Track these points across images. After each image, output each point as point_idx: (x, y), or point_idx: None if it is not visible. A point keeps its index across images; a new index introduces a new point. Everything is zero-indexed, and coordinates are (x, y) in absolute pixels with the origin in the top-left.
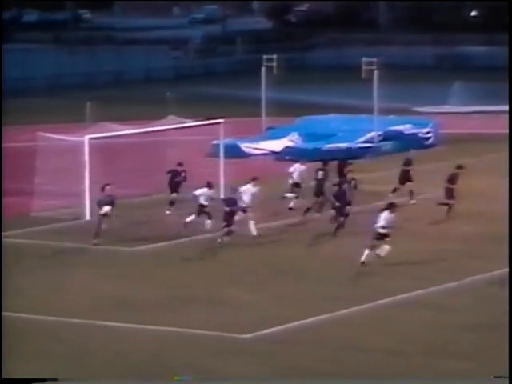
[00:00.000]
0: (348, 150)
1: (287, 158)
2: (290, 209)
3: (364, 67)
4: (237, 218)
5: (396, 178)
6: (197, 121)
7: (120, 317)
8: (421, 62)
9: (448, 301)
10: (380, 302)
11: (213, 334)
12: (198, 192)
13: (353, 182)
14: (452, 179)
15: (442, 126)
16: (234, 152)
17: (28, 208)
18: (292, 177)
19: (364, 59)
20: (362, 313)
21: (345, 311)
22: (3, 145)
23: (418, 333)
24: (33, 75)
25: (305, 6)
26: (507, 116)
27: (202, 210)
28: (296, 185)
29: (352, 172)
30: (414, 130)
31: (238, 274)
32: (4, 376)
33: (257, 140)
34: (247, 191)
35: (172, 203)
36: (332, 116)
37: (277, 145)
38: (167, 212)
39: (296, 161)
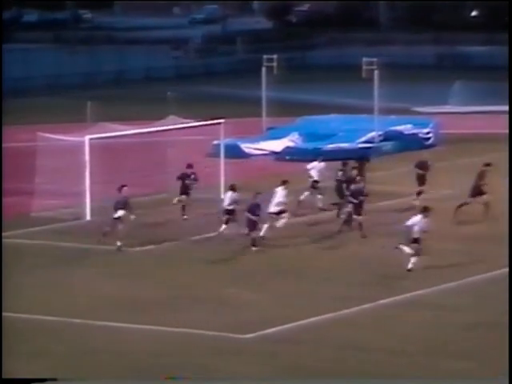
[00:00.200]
0: (348, 150)
1: (288, 158)
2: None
3: (364, 67)
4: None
5: (396, 178)
6: (197, 121)
7: (120, 317)
8: (421, 62)
9: (448, 301)
10: (381, 301)
11: (214, 334)
12: (222, 196)
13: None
14: (480, 177)
15: (443, 125)
16: (234, 152)
17: (28, 208)
18: (311, 175)
19: (364, 59)
20: (363, 313)
21: (346, 311)
22: (3, 145)
23: (419, 333)
24: (33, 75)
25: (305, 6)
26: (507, 116)
27: (227, 214)
28: (315, 182)
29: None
30: (415, 130)
31: (238, 274)
32: (4, 376)
33: (257, 140)
34: (279, 194)
35: (184, 207)
36: (332, 116)
37: (277, 145)
38: (184, 217)
39: (296, 161)
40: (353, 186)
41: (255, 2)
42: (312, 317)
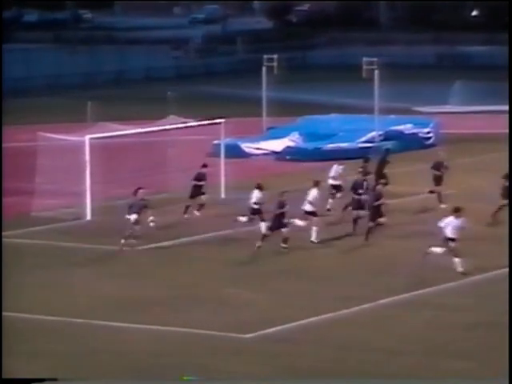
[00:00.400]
0: (349, 149)
1: (288, 157)
2: (328, 210)
3: (365, 67)
4: (300, 223)
5: (397, 178)
6: (197, 120)
7: (120, 317)
8: (421, 62)
9: (448, 300)
10: (381, 301)
11: (214, 333)
12: (251, 195)
13: (365, 183)
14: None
15: (443, 125)
16: (234, 152)
17: (28, 208)
18: (332, 178)
19: (365, 59)
20: (363, 312)
21: (346, 311)
22: (4, 144)
23: (419, 332)
24: (33, 75)
25: (305, 6)
26: (507, 116)
27: (254, 213)
28: (336, 187)
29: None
30: (415, 130)
31: (239, 274)
32: (4, 376)
33: (258, 140)
34: (312, 195)
35: (201, 205)
36: (333, 116)
37: (278, 145)
38: (196, 213)
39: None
40: (371, 189)
41: (255, 1)
42: (313, 316)
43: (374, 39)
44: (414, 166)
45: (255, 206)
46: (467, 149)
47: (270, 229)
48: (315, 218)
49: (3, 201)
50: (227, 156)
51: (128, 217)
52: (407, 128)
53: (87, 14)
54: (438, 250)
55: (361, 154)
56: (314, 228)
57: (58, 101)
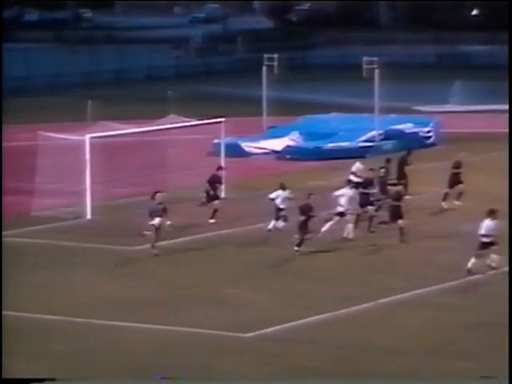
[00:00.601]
0: (349, 149)
1: (288, 157)
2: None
3: (365, 66)
4: (332, 222)
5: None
6: (198, 120)
7: (120, 316)
8: (422, 61)
9: (448, 300)
10: (381, 301)
11: (214, 333)
12: (272, 195)
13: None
14: None
15: (443, 125)
16: (234, 151)
17: (29, 207)
18: (353, 175)
19: (365, 58)
20: (364, 312)
21: (346, 310)
22: (4, 144)
23: (419, 332)
24: (33, 74)
25: (306, 6)
26: (507, 115)
27: (279, 213)
28: (357, 184)
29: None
30: (415, 129)
31: (239, 273)
32: (4, 376)
33: (258, 139)
34: (344, 195)
35: (216, 210)
36: (333, 115)
37: (278, 144)
38: (210, 221)
39: (297, 160)
40: (392, 189)
41: (256, 1)
42: (313, 316)
43: (374, 39)
44: (414, 166)
45: (280, 206)
46: (467, 148)
47: (299, 233)
48: (349, 217)
49: (3, 200)
50: (227, 155)
51: (152, 223)
52: (407, 127)
53: (87, 14)
54: (495, 257)
55: (361, 154)
56: (350, 225)
57: (58, 100)
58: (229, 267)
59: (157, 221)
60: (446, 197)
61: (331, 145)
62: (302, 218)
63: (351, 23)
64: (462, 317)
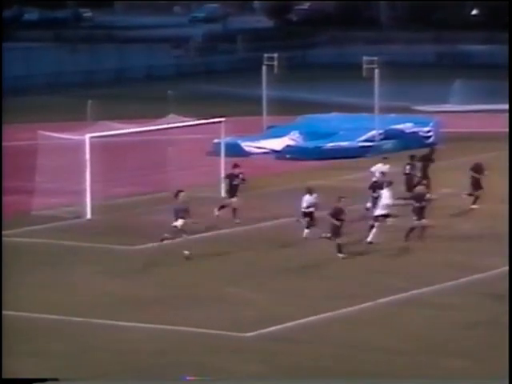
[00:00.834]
0: (349, 148)
1: (288, 156)
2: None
3: (365, 66)
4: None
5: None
6: (198, 119)
7: (121, 316)
8: (422, 61)
9: (448, 299)
10: (381, 300)
11: (214, 332)
12: (304, 203)
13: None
14: None
15: (443, 124)
16: (234, 151)
17: (29, 206)
18: (375, 177)
19: (365, 58)
20: (363, 311)
21: (346, 310)
22: (4, 143)
23: (419, 331)
24: (34, 73)
25: (306, 5)
26: (507, 115)
27: (306, 218)
28: (379, 187)
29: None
30: (415, 129)
31: (239, 273)
32: (4, 376)
33: (258, 139)
34: (384, 195)
35: (235, 210)
36: (333, 114)
37: (278, 143)
38: (237, 221)
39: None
40: (416, 189)
41: (256, 1)
42: (312, 315)
43: (374, 38)
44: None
45: (307, 211)
46: (467, 147)
47: (330, 237)
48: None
49: (3, 199)
50: (227, 155)
51: (175, 224)
52: (407, 127)
53: (88, 13)
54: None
55: (361, 153)
56: (375, 230)
57: (58, 99)
58: (229, 267)
59: (179, 222)
60: (475, 199)
61: (331, 144)
62: (334, 221)
63: (351, 22)
64: (462, 316)
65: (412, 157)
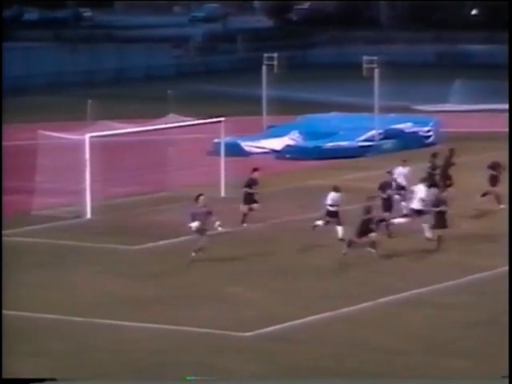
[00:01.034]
0: (349, 148)
1: (288, 156)
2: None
3: (365, 65)
4: (404, 221)
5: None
6: (198, 119)
7: (121, 315)
8: (422, 60)
9: (448, 299)
10: (381, 300)
11: (214, 332)
12: (328, 200)
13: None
14: None
15: (443, 124)
16: (234, 150)
17: (29, 206)
18: (395, 180)
19: (365, 57)
20: (363, 311)
21: (346, 309)
22: (4, 143)
23: (419, 331)
24: (34, 73)
25: (306, 5)
26: (507, 114)
27: (330, 216)
28: (401, 188)
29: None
30: (415, 129)
31: (239, 272)
32: (4, 376)
33: (258, 138)
34: (420, 193)
35: (246, 214)
36: (333, 114)
37: (278, 143)
38: (244, 225)
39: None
40: (435, 193)
41: (256, 0)
42: (312, 315)
43: (374, 38)
44: (415, 165)
45: (331, 209)
46: (467, 147)
47: (358, 235)
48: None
49: (3, 199)
50: (227, 154)
51: (191, 225)
52: (407, 126)
53: (87, 13)
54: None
55: (360, 153)
56: (426, 225)
57: (58, 99)
58: (229, 266)
59: (196, 224)
60: (499, 199)
61: (331, 144)
62: (365, 220)
63: (351, 22)
64: (462, 315)
65: (434, 155)
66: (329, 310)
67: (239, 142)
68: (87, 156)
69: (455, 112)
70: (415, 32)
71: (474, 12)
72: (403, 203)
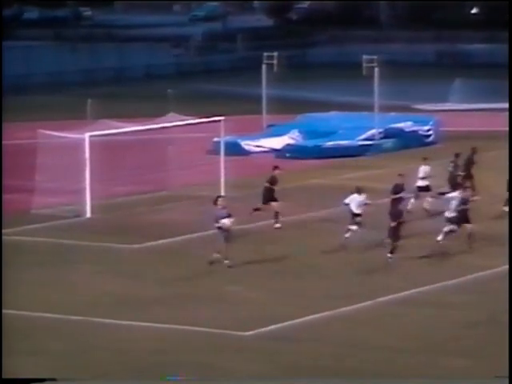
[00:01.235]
0: (349, 147)
1: (288, 155)
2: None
3: (365, 64)
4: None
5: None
6: (197, 118)
7: (120, 315)
8: (422, 60)
9: (448, 298)
10: (381, 299)
11: (214, 331)
12: (347, 200)
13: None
14: None
15: (443, 123)
16: (234, 149)
17: (28, 205)
18: (421, 179)
19: (365, 57)
20: (363, 310)
21: (345, 309)
22: (4, 142)
23: (419, 330)
24: (33, 72)
25: (306, 4)
26: (507, 114)
27: (354, 219)
28: (424, 188)
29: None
30: (415, 128)
31: (239, 272)
32: (4, 376)
33: (257, 137)
34: (454, 198)
35: (277, 213)
36: (333, 113)
37: (277, 142)
38: (276, 225)
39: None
40: (457, 193)
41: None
42: (312, 314)
43: (374, 37)
44: (413, 165)
45: (356, 211)
46: (467, 147)
47: (392, 239)
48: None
49: (3, 198)
50: (227, 154)
51: (217, 225)
52: (407, 126)
53: (87, 12)
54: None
55: (360, 152)
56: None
57: (58, 98)
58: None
59: (226, 221)
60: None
61: (331, 143)
62: (393, 223)
63: (351, 21)
64: (462, 315)
65: (457, 155)
66: (328, 310)
67: (239, 141)
68: (87, 155)
69: (455, 111)
70: (415, 31)
71: (474, 11)
72: (429, 199)
